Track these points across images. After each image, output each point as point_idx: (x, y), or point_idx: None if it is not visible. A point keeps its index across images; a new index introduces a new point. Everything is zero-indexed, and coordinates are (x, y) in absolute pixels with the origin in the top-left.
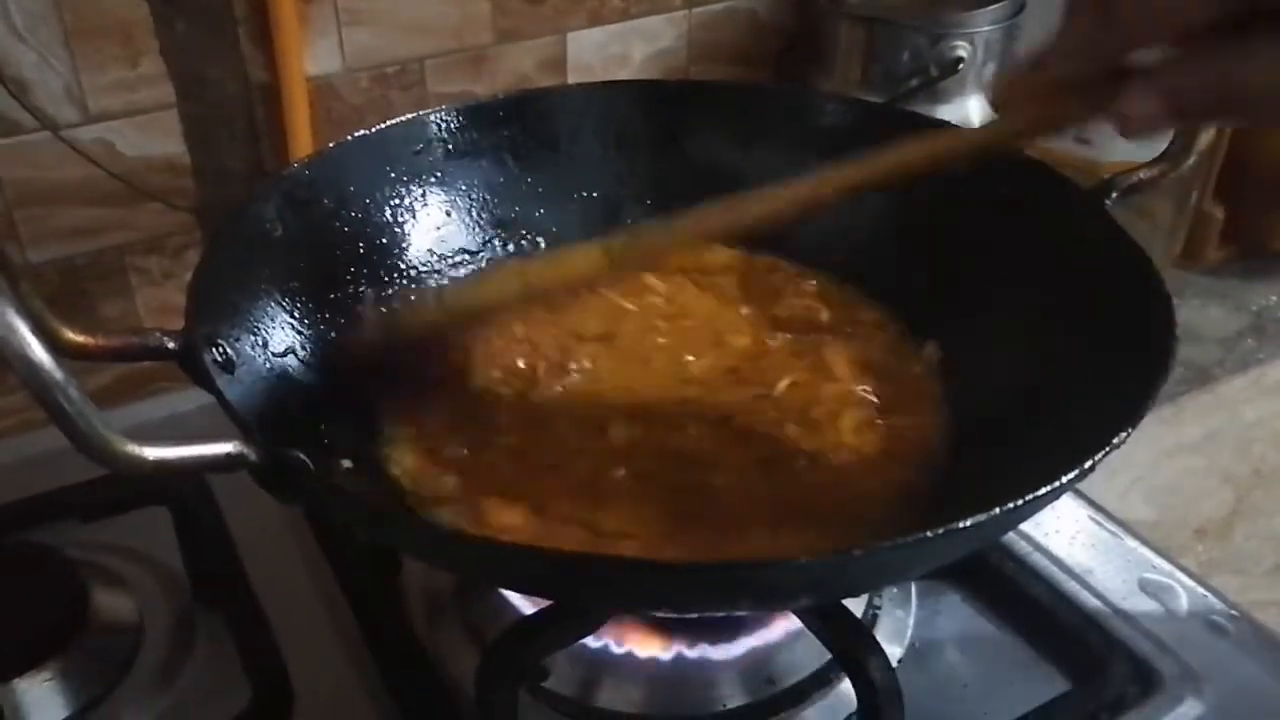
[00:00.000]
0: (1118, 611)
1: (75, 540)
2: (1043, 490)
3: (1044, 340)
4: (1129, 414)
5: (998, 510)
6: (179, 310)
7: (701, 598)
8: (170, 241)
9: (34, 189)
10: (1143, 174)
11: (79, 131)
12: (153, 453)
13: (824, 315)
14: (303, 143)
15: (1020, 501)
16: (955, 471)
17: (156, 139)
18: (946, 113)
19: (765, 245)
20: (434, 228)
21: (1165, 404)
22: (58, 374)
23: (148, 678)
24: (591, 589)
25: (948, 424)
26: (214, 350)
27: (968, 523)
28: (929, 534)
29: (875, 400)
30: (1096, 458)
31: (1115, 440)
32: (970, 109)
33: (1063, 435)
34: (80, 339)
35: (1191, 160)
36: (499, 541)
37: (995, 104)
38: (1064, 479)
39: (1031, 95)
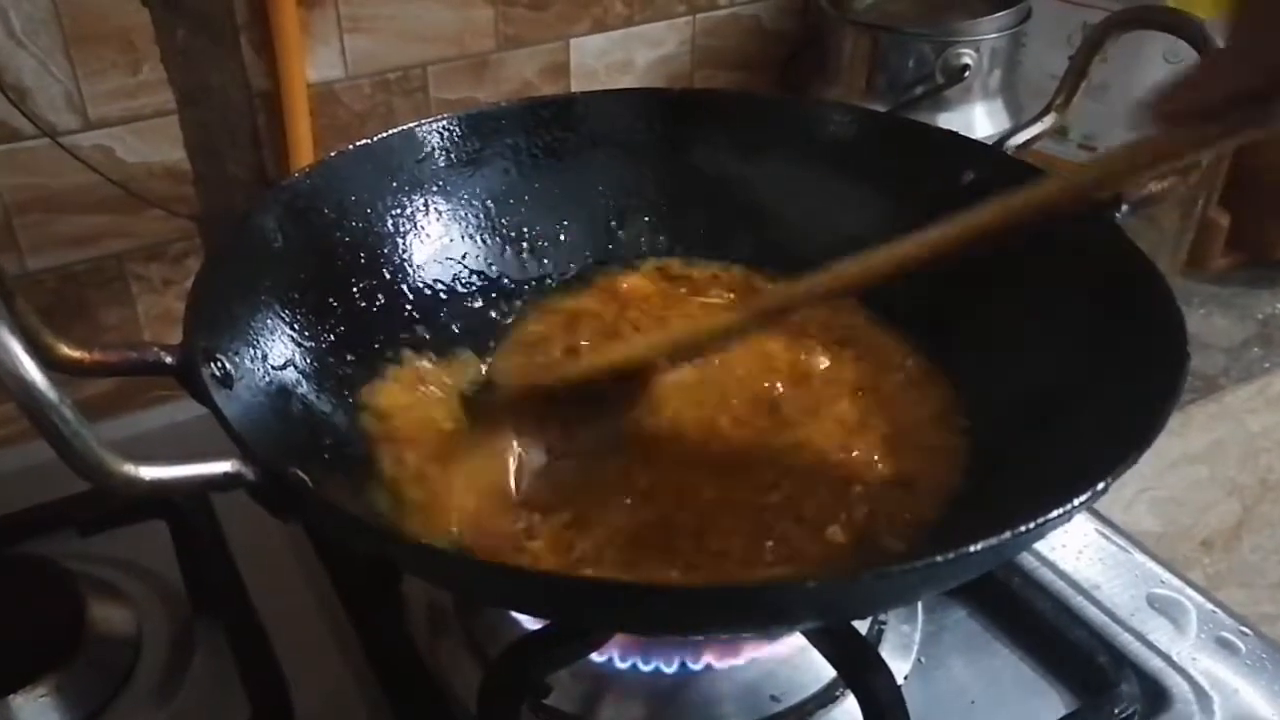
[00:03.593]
0: (1126, 628)
1: (73, 553)
2: (1054, 513)
3: (1053, 357)
4: (1142, 433)
5: (1008, 534)
6: (179, 318)
7: (706, 621)
8: (171, 249)
9: (33, 196)
10: (1153, 186)
11: (79, 138)
12: (149, 472)
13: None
14: (304, 150)
15: (1031, 525)
16: (964, 491)
17: (157, 146)
18: (952, 120)
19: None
20: (436, 237)
21: (1171, 414)
22: (51, 393)
23: (146, 692)
24: (594, 612)
25: (957, 442)
26: (212, 365)
27: (978, 547)
28: (939, 559)
29: (884, 417)
30: (1109, 479)
31: (1128, 461)
32: (976, 116)
33: (1074, 454)
34: (76, 354)
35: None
36: (501, 564)
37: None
38: (1076, 501)
39: (1177, 116)
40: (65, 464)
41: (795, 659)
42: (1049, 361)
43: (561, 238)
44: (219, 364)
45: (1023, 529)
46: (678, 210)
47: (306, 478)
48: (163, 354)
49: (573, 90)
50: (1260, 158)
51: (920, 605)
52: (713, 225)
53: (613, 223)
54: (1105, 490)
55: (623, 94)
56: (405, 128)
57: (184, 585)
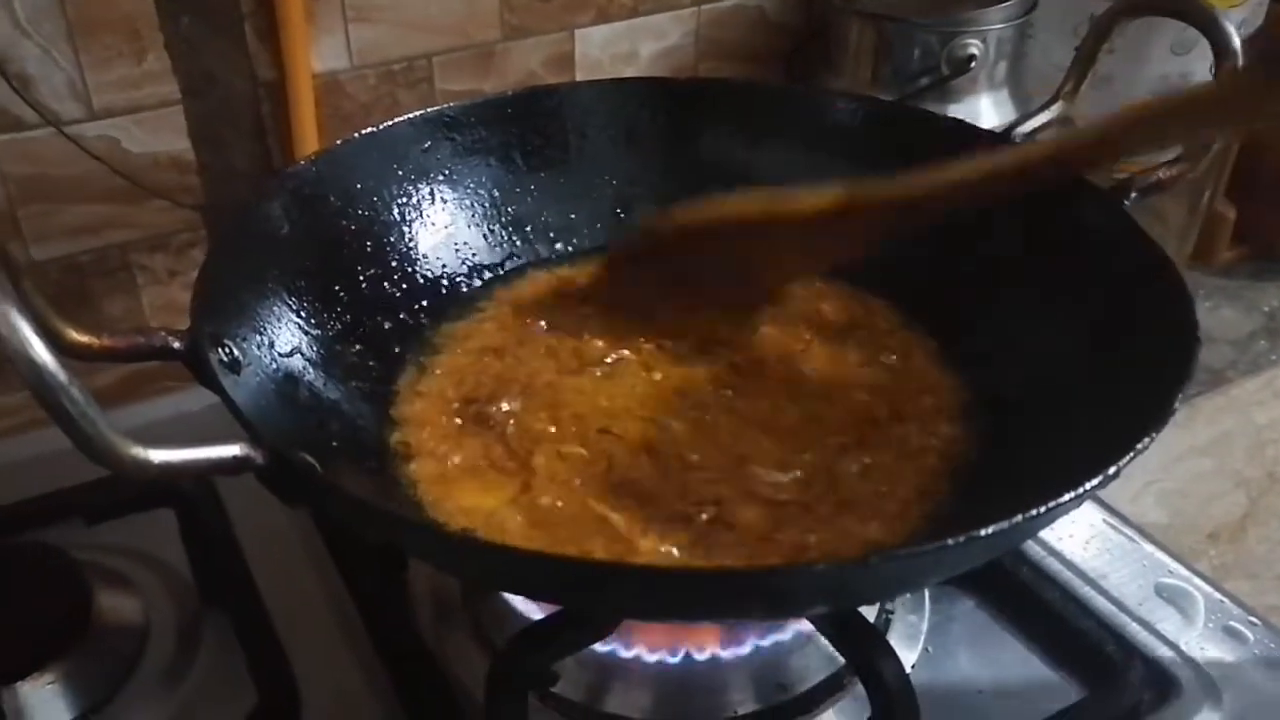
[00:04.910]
0: (1134, 617)
1: (80, 542)
2: (1064, 498)
3: (1063, 342)
4: (1151, 419)
5: (1019, 518)
6: (184, 308)
7: (714, 607)
8: (175, 239)
9: (38, 186)
10: (1162, 174)
11: (83, 128)
12: (158, 455)
13: (839, 318)
14: (309, 140)
15: (1041, 509)
16: (973, 475)
17: (162, 136)
18: (958, 111)
19: None
20: (441, 226)
21: (1178, 407)
22: (61, 375)
23: (153, 680)
24: (601, 597)
25: (966, 426)
26: (220, 350)
27: (988, 531)
28: (949, 542)
29: (892, 401)
30: (1120, 464)
31: (1138, 447)
32: (982, 108)
33: (1085, 439)
34: (84, 339)
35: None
36: (507, 547)
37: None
38: (1086, 486)
39: None
40: (75, 447)
41: (803, 647)
42: (1061, 347)
43: (566, 227)
44: (226, 350)
45: (1032, 513)
46: (682, 199)
47: (313, 461)
48: (170, 339)
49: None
50: (1267, 151)
51: (927, 595)
52: None
53: (618, 212)
54: (1116, 475)
55: (627, 83)
56: (411, 115)
57: (191, 574)
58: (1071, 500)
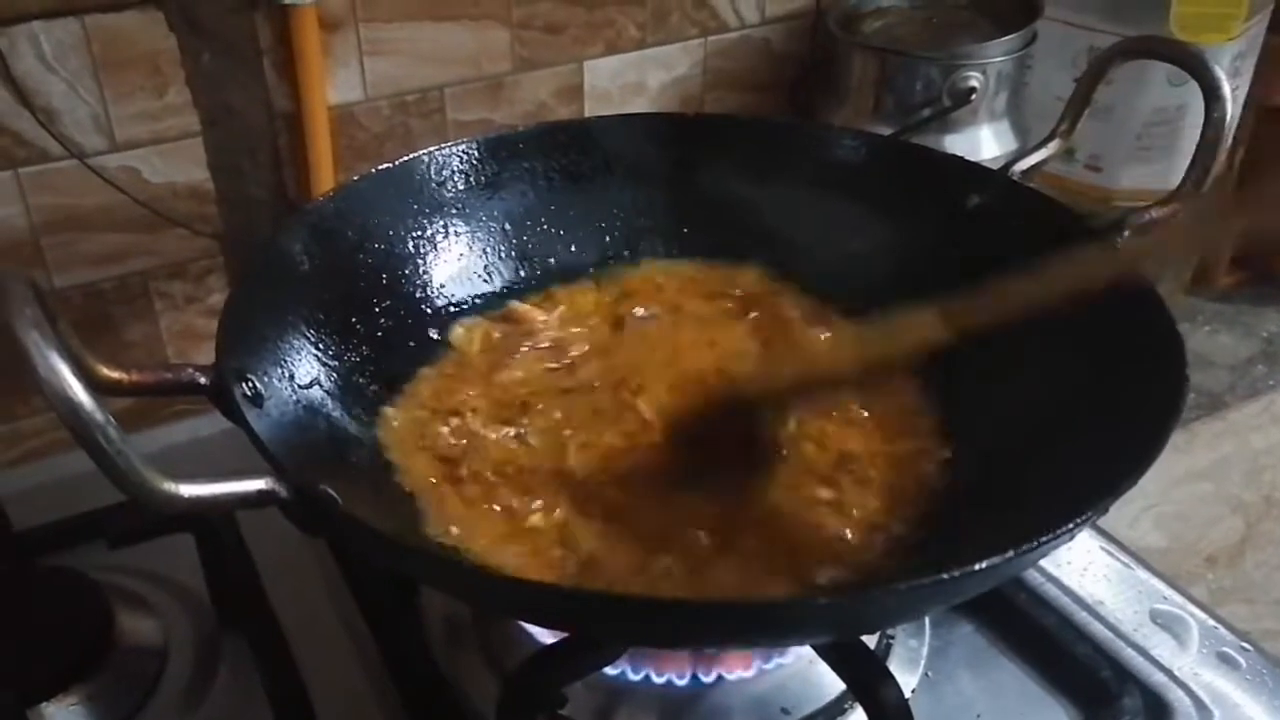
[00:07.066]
0: (1129, 643)
1: (102, 564)
2: (1049, 536)
3: (1056, 378)
4: (1138, 459)
5: (1011, 553)
6: (201, 334)
7: (718, 636)
8: (193, 267)
9: (61, 215)
10: (1154, 213)
11: (106, 159)
12: (188, 490)
13: None
14: (325, 170)
15: (1032, 545)
16: (969, 510)
17: (181, 167)
18: (958, 142)
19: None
20: (455, 258)
21: (1176, 431)
22: (98, 415)
23: (172, 701)
24: (610, 626)
25: (960, 460)
26: (244, 385)
27: (982, 565)
28: (944, 576)
29: (884, 432)
30: (1105, 503)
31: (1123, 486)
32: (982, 138)
33: (1074, 476)
34: (115, 375)
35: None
36: (520, 579)
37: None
38: (1070, 525)
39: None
40: (110, 481)
41: (805, 672)
42: (1052, 382)
43: (575, 258)
44: (250, 384)
45: (1024, 548)
46: (688, 232)
47: (336, 495)
48: (197, 375)
49: (586, 112)
50: (1266, 177)
51: (928, 621)
52: (722, 247)
53: (625, 244)
54: (1105, 511)
55: (637, 119)
56: (426, 152)
57: (209, 597)
58: (1055, 538)
